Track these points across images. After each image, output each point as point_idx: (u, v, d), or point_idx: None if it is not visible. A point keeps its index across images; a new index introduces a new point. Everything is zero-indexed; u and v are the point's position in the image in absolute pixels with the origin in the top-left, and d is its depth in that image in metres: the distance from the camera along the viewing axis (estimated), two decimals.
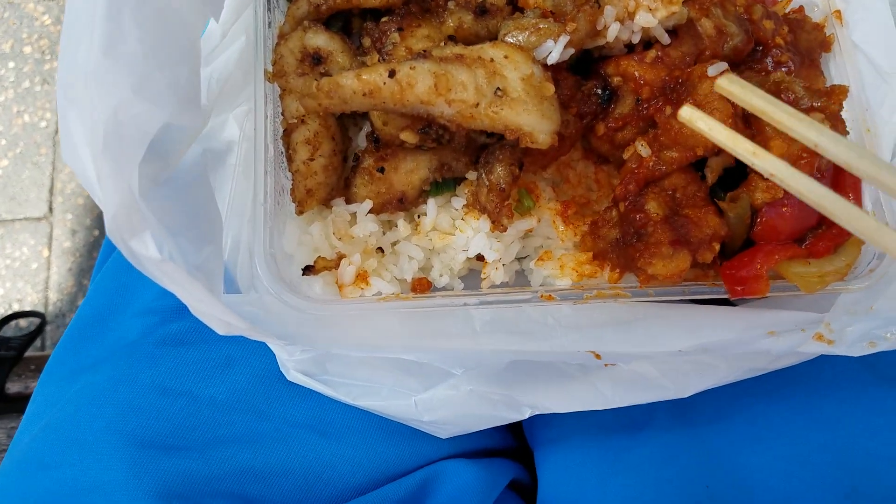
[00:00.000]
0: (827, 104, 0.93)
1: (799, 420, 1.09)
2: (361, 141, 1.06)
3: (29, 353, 2.16)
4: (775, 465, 1.06)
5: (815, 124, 0.72)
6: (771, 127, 0.93)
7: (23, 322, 2.92)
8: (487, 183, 0.99)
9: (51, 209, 3.37)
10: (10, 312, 2.90)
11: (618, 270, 1.00)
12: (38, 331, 2.00)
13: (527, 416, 1.01)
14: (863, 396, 1.09)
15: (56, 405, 1.09)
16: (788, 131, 0.73)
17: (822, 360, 1.02)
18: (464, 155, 1.03)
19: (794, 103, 0.95)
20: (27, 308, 3.26)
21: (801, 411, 1.09)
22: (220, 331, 0.83)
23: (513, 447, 1.24)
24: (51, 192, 3.39)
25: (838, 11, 1.14)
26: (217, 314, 0.81)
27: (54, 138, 3.42)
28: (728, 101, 0.91)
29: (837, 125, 0.93)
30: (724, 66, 0.93)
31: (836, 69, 1.11)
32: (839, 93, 0.96)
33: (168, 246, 0.80)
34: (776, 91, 0.96)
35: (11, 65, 3.59)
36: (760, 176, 0.96)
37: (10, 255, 3.34)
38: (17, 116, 3.53)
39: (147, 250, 0.76)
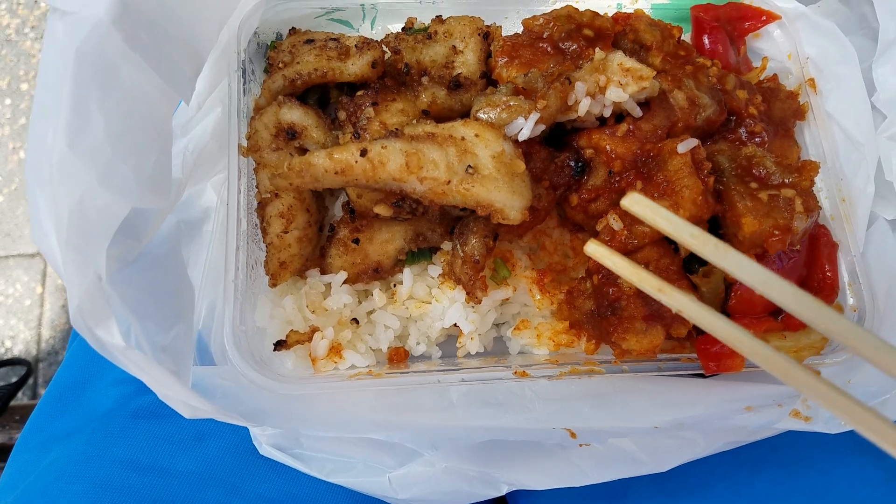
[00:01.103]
0: (798, 180, 0.94)
1: (780, 490, 1.07)
2: (338, 210, 1.06)
3: (15, 402, 2.14)
4: None
5: (714, 240, 0.74)
6: (742, 203, 0.93)
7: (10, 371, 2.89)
8: (462, 254, 0.99)
9: None
10: None
11: (594, 341, 1.00)
12: (24, 380, 1.98)
13: (503, 493, 0.99)
14: (846, 467, 1.08)
15: (30, 476, 1.07)
16: (687, 246, 0.75)
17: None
18: (439, 225, 1.03)
19: (766, 178, 0.95)
20: (20, 345, 3.24)
21: (782, 481, 1.07)
22: (186, 414, 0.82)
23: None
24: None
25: (812, 80, 1.15)
26: (182, 399, 0.81)
27: None
28: (698, 177, 0.92)
29: (809, 200, 0.93)
30: (694, 142, 0.93)
31: (811, 138, 1.12)
32: (810, 169, 0.96)
33: (134, 330, 0.80)
34: (748, 165, 0.97)
35: (8, 101, 3.62)
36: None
37: (3, 291, 3.33)
38: (13, 153, 3.55)
39: (112, 338, 0.76)
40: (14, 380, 2.05)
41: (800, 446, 1.10)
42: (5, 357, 2.98)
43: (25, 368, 2.06)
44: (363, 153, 0.88)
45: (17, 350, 3.25)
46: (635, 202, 0.78)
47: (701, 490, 1.09)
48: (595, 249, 0.83)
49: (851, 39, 1.19)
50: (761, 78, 1.16)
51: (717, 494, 1.08)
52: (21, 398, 2.54)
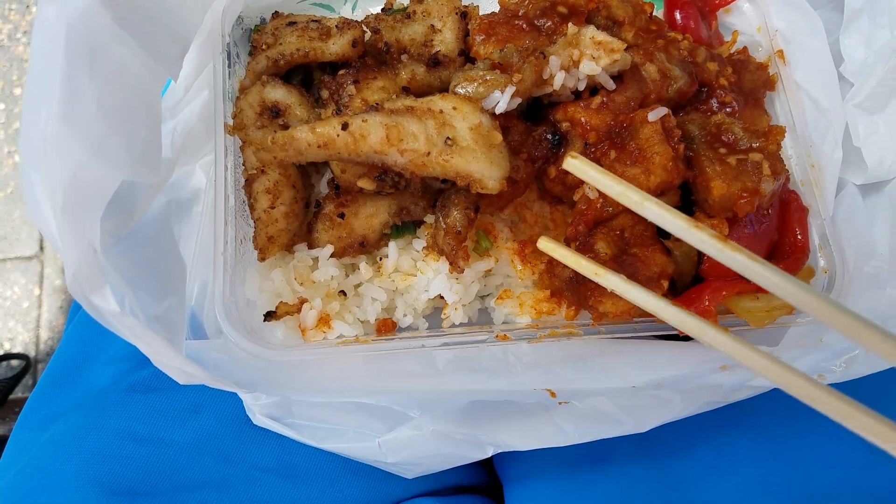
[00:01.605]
0: (765, 144, 0.97)
1: (760, 451, 1.10)
2: (324, 187, 1.10)
3: (15, 395, 2.17)
4: (738, 495, 1.08)
5: (638, 192, 0.80)
6: (711, 168, 0.97)
7: (13, 363, 2.92)
8: (444, 226, 1.02)
9: (41, 248, 3.39)
10: None
11: (573, 308, 1.03)
12: (23, 373, 2.01)
13: (490, 455, 1.03)
14: (821, 427, 1.11)
15: (28, 452, 1.11)
16: (632, 207, 0.82)
17: (781, 391, 1.04)
18: (422, 199, 1.06)
19: (735, 144, 0.99)
20: (18, 347, 3.26)
21: (761, 443, 1.11)
22: (180, 380, 0.85)
23: (484, 483, 1.25)
24: None
25: (781, 51, 1.19)
26: (176, 364, 0.84)
27: None
28: (668, 144, 0.95)
29: (776, 164, 0.97)
30: (664, 110, 0.97)
31: (781, 107, 1.16)
32: (776, 133, 0.99)
33: (129, 299, 0.83)
34: (717, 132, 1.00)
35: (2, 106, 3.64)
36: (706, 214, 1.00)
37: (1, 294, 3.36)
38: (8, 157, 3.57)
39: (107, 304, 0.79)
40: (13, 374, 2.08)
41: (777, 410, 1.13)
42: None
43: (24, 362, 2.09)
44: (344, 127, 0.91)
45: (16, 352, 3.27)
46: (576, 165, 0.83)
47: (684, 453, 1.12)
48: (546, 245, 0.91)
49: (821, 13, 1.23)
50: (732, 51, 1.19)
51: (698, 457, 1.11)
52: (19, 392, 2.57)
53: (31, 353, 3.22)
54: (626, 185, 0.80)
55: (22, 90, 3.60)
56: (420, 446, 1.00)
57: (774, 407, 1.12)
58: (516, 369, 1.00)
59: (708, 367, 0.98)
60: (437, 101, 0.95)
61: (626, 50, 1.01)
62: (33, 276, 3.33)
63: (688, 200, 1.02)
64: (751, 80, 1.14)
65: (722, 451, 1.11)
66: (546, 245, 0.90)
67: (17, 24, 3.71)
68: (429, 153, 0.93)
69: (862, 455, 1.08)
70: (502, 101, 0.96)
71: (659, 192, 0.96)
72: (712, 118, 1.02)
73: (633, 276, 0.96)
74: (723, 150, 0.97)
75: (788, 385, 0.74)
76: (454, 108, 0.95)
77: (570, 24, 1.01)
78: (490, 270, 1.10)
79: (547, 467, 1.14)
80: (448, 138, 0.94)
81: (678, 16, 1.19)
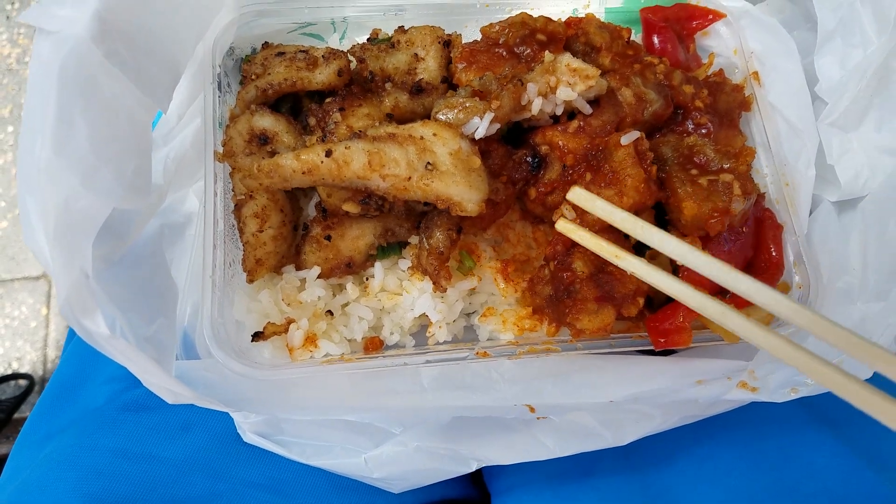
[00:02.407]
0: (735, 165, 1.00)
1: (743, 461, 1.12)
2: (312, 210, 1.13)
3: (19, 414, 2.20)
4: None
5: (646, 225, 0.84)
6: (683, 189, 1.00)
7: (20, 382, 2.96)
8: (427, 247, 1.06)
9: None
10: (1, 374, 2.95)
11: (554, 324, 1.06)
12: (27, 393, 2.05)
13: (473, 469, 1.05)
14: (802, 438, 1.13)
15: (27, 469, 1.14)
16: (624, 230, 0.87)
17: (761, 404, 1.06)
18: (406, 220, 1.09)
19: (706, 165, 1.02)
20: (26, 366, 3.30)
21: (743, 454, 1.12)
22: (169, 399, 0.88)
23: (472, 496, 1.27)
24: None
25: (756, 73, 1.22)
26: (164, 384, 0.87)
27: None
28: (640, 166, 0.98)
29: (746, 184, 1.00)
30: (636, 134, 1.00)
31: (756, 127, 1.19)
32: (746, 154, 1.03)
33: (119, 321, 0.87)
34: (690, 154, 1.03)
35: (10, 129, 3.71)
36: (680, 233, 1.03)
37: (9, 314, 3.40)
38: (16, 179, 3.62)
39: (98, 328, 0.83)
40: (18, 393, 2.12)
41: (758, 422, 1.15)
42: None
43: (28, 382, 2.13)
44: (328, 154, 0.95)
45: (24, 371, 3.31)
46: (577, 196, 0.86)
47: (666, 465, 1.14)
48: (564, 226, 0.97)
49: (797, 34, 1.26)
50: (709, 73, 1.23)
51: (681, 469, 1.13)
52: (24, 411, 2.60)
53: (39, 372, 3.26)
54: (607, 243, 0.84)
55: None
56: (405, 462, 1.03)
57: (755, 417, 1.14)
58: (499, 386, 1.03)
59: (684, 381, 1.01)
60: (418, 128, 0.99)
61: (601, 75, 1.05)
62: (41, 296, 3.38)
63: (662, 220, 1.05)
64: (726, 102, 1.17)
65: (704, 462, 1.13)
66: (565, 226, 0.94)
67: (26, 48, 3.80)
68: (410, 178, 0.96)
69: (844, 464, 1.10)
70: (481, 126, 1.00)
71: (633, 212, 0.99)
72: (685, 140, 1.05)
73: (610, 294, 0.99)
74: (694, 172, 1.00)
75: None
76: (434, 135, 0.98)
77: (547, 52, 1.04)
78: (474, 289, 1.13)
79: (533, 480, 1.16)
80: (428, 163, 0.97)
81: (656, 40, 1.22)
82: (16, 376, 2.54)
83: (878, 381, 0.88)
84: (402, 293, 1.11)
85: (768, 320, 1.04)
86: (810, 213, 1.14)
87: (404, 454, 1.03)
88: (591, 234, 0.96)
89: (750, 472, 1.11)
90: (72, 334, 1.34)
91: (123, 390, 1.14)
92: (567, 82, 1.03)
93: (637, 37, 1.26)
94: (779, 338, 0.78)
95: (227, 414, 1.10)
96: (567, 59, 1.03)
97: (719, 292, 1.06)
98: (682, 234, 1.01)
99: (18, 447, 1.21)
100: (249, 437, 1.06)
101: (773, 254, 1.08)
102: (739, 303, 1.04)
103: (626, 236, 1.05)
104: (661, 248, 0.90)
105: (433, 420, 1.02)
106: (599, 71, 1.02)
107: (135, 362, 0.85)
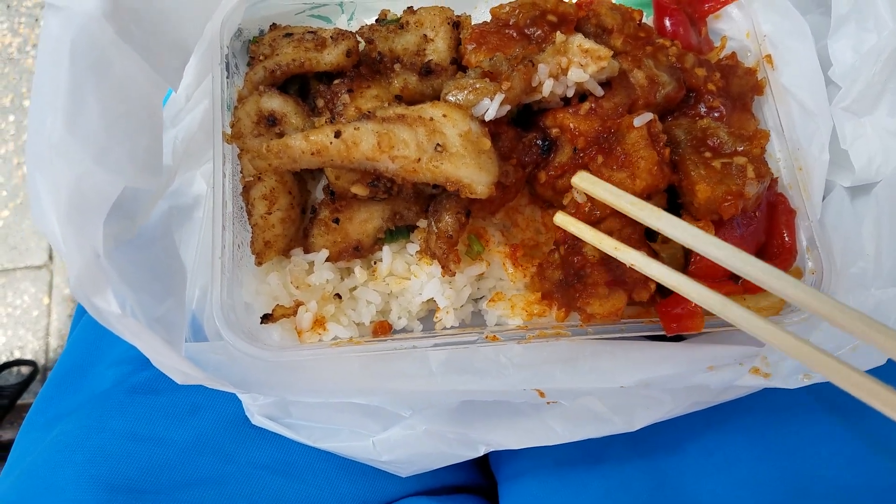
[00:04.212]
0: (749, 148, 0.99)
1: (753, 450, 1.12)
2: (320, 193, 1.13)
3: (24, 400, 2.20)
4: (729, 493, 1.09)
5: (653, 209, 0.83)
6: (696, 172, 0.99)
7: (23, 369, 2.97)
8: (436, 230, 1.05)
9: (51, 257, 3.44)
10: (3, 361, 2.96)
11: (563, 309, 1.05)
12: (30, 379, 2.05)
13: (481, 453, 1.05)
14: (813, 426, 1.12)
15: (33, 453, 1.14)
16: (631, 215, 0.86)
17: (773, 390, 1.05)
18: (415, 204, 1.09)
19: (720, 148, 1.01)
20: (28, 355, 3.31)
21: (754, 442, 1.12)
22: (178, 380, 0.88)
23: (478, 483, 1.27)
24: None
25: (769, 56, 1.21)
26: (175, 365, 0.87)
27: None
28: (653, 148, 0.97)
29: (760, 167, 0.99)
30: (649, 116, 0.99)
31: (768, 111, 1.17)
32: (761, 137, 1.02)
33: (130, 301, 0.86)
34: (703, 137, 1.02)
35: (11, 118, 3.70)
36: (693, 217, 1.02)
37: (11, 303, 3.40)
38: (18, 168, 3.63)
39: (109, 306, 0.82)
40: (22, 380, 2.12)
41: (768, 409, 1.14)
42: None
43: (32, 368, 2.13)
44: (337, 134, 0.94)
45: (25, 358, 3.31)
46: (582, 179, 0.86)
47: (675, 452, 1.14)
48: (563, 219, 0.94)
49: (810, 18, 1.25)
50: (721, 56, 1.21)
51: (690, 456, 1.13)
52: (27, 398, 2.61)
53: (41, 361, 3.26)
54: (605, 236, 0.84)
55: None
56: (413, 445, 1.03)
57: (766, 406, 1.14)
58: (507, 370, 1.02)
59: (695, 366, 1.00)
60: (428, 109, 0.98)
61: (613, 57, 1.04)
62: (43, 286, 3.38)
63: (675, 203, 1.04)
64: (739, 85, 1.16)
65: (713, 449, 1.13)
66: (564, 219, 0.93)
67: (27, 37, 3.78)
68: (419, 159, 0.96)
69: (853, 453, 1.10)
70: (491, 108, 0.99)
71: (646, 196, 0.98)
72: (698, 123, 1.04)
73: (621, 278, 0.99)
74: (708, 154, 0.99)
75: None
76: (444, 116, 0.97)
77: (558, 33, 1.03)
78: (482, 274, 1.12)
79: (540, 466, 1.16)
80: (438, 145, 0.96)
81: (667, 22, 1.21)
82: (19, 362, 2.54)
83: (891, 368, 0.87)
84: (411, 277, 1.11)
85: (780, 306, 1.04)
86: (823, 198, 1.13)
87: (413, 437, 1.03)
88: (588, 226, 0.96)
89: (758, 461, 1.11)
90: (77, 319, 1.34)
91: (130, 373, 1.14)
92: (579, 63, 1.02)
93: (649, 19, 1.25)
94: (780, 329, 0.77)
95: (234, 397, 1.09)
96: (579, 39, 1.02)
97: (731, 277, 1.05)
98: (694, 218, 1.00)
99: (25, 431, 1.21)
100: (257, 419, 1.06)
101: (786, 239, 1.07)
102: (752, 288, 1.04)
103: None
104: (669, 233, 0.89)
105: (442, 404, 1.02)
106: (612, 52, 1.01)
107: (146, 342, 0.84)
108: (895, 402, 0.69)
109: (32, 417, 1.21)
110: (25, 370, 2.93)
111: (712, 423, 1.14)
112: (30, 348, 3.29)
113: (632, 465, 1.13)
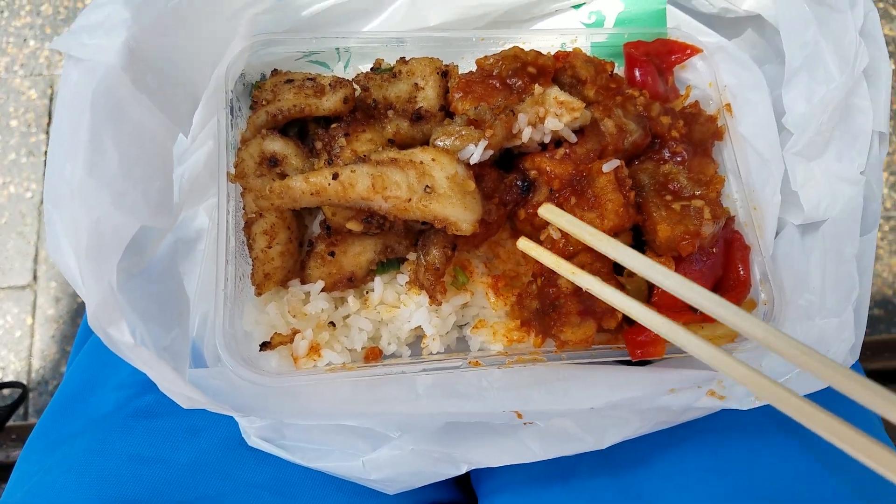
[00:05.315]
0: (706, 192, 1.10)
1: (715, 466, 1.19)
2: (316, 228, 1.21)
3: (11, 423, 2.22)
4: None
5: (610, 240, 0.91)
6: (658, 213, 1.09)
7: (5, 391, 2.97)
8: (424, 263, 1.14)
9: (35, 277, 3.44)
10: None
11: (540, 336, 1.14)
12: (20, 401, 2.07)
13: (463, 471, 1.12)
14: (769, 443, 1.21)
15: (37, 474, 1.19)
16: (591, 245, 0.95)
17: (732, 411, 1.14)
18: (405, 238, 1.18)
19: (680, 191, 1.12)
20: (10, 376, 3.29)
21: (713, 458, 1.20)
22: (184, 405, 0.95)
23: (460, 499, 1.35)
24: (35, 260, 3.47)
25: (728, 105, 1.33)
26: (181, 391, 0.94)
27: (39, 208, 3.53)
28: (620, 192, 1.08)
29: (716, 209, 1.09)
30: (616, 162, 1.10)
31: (727, 156, 1.29)
32: (717, 182, 1.12)
33: (140, 331, 0.93)
34: (665, 181, 1.13)
35: None
36: (655, 253, 1.12)
37: None
38: (4, 188, 3.64)
39: (122, 336, 0.89)
40: (9, 402, 2.14)
41: (728, 428, 1.22)
42: None
43: (21, 390, 2.15)
44: (335, 176, 1.03)
45: (10, 380, 3.30)
46: (547, 210, 0.95)
47: (642, 468, 1.21)
48: (524, 244, 1.05)
49: (768, 68, 1.36)
50: (685, 104, 1.33)
51: (657, 472, 1.21)
52: (16, 419, 2.62)
53: (24, 381, 3.25)
54: (565, 262, 0.92)
55: (18, 122, 3.70)
56: (400, 464, 1.10)
57: (725, 424, 1.21)
58: (489, 393, 1.10)
59: (658, 389, 1.09)
60: (418, 154, 1.07)
61: (586, 107, 1.14)
62: (26, 306, 3.38)
63: (640, 241, 1.14)
64: (700, 132, 1.27)
65: (677, 466, 1.20)
66: (526, 245, 1.03)
67: (15, 56, 3.82)
68: (410, 199, 1.05)
69: (805, 468, 1.18)
70: (476, 153, 1.08)
71: (613, 234, 1.08)
72: (661, 168, 1.14)
73: (590, 308, 1.08)
74: (669, 197, 1.10)
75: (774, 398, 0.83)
76: (433, 160, 1.07)
77: (536, 86, 1.14)
78: (467, 303, 1.21)
79: (517, 482, 1.23)
80: (427, 186, 1.06)
81: (637, 73, 1.32)
82: (5, 384, 2.55)
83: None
84: (400, 306, 1.19)
85: (734, 334, 1.14)
86: (776, 235, 1.23)
87: (400, 457, 1.10)
88: (549, 252, 1.05)
89: (718, 476, 1.18)
90: (78, 345, 1.40)
91: (132, 397, 1.20)
92: (554, 113, 1.12)
93: (620, 70, 1.36)
94: (724, 354, 0.86)
95: (232, 419, 1.16)
96: (555, 92, 1.13)
97: (691, 308, 1.15)
98: (657, 254, 1.10)
99: (27, 453, 1.26)
100: (254, 441, 1.12)
101: (742, 273, 1.18)
102: (709, 318, 1.13)
103: None
104: (627, 265, 0.97)
105: (428, 425, 1.10)
106: (584, 104, 1.11)
107: (155, 370, 0.91)
108: (830, 426, 0.79)
109: (36, 439, 1.26)
110: (9, 393, 2.93)
111: (677, 440, 1.22)
112: (11, 369, 3.29)
113: (601, 481, 1.21)
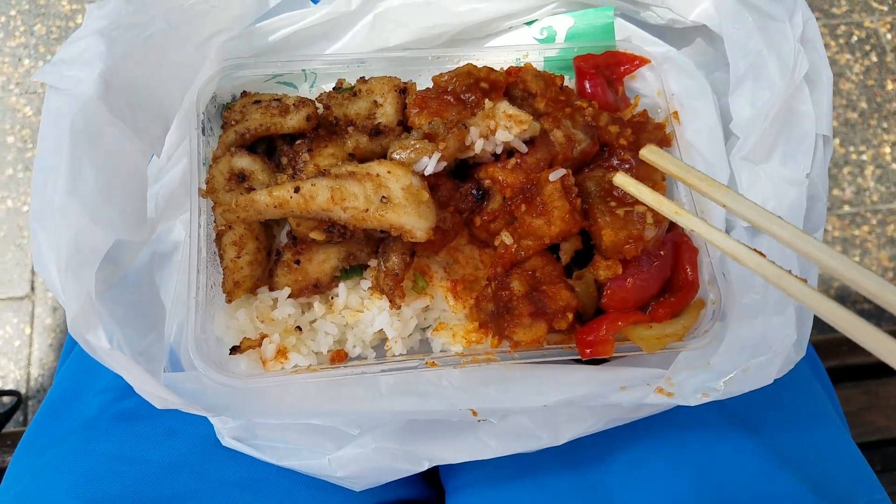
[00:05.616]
0: None
1: (672, 461, 1.24)
2: (284, 238, 1.28)
3: (7, 429, 2.29)
4: (652, 502, 1.22)
5: (721, 187, 0.88)
6: (602, 219, 1.16)
7: (4, 399, 3.04)
8: (384, 269, 1.20)
9: (32, 288, 3.51)
10: None
11: (496, 337, 1.21)
12: (15, 409, 2.15)
13: (425, 468, 1.18)
14: (722, 439, 1.25)
15: (26, 476, 1.26)
16: (700, 190, 0.90)
17: (686, 407, 1.19)
18: (366, 245, 1.24)
19: (623, 198, 1.18)
20: (10, 385, 3.36)
21: (672, 455, 1.24)
22: (158, 405, 1.02)
23: (428, 495, 1.41)
24: (33, 272, 3.55)
25: (676, 112, 1.39)
26: (155, 392, 1.00)
27: None
28: (566, 199, 1.14)
29: (658, 214, 1.15)
30: (562, 171, 1.16)
31: None
32: (660, 188, 1.19)
33: (117, 337, 1.01)
34: (610, 188, 1.20)
35: None
36: (602, 257, 1.19)
37: None
38: (2, 202, 3.71)
39: (99, 342, 0.96)
40: (5, 410, 2.22)
41: (684, 425, 1.26)
42: None
43: (16, 398, 2.23)
44: (297, 190, 1.10)
45: (8, 388, 3.37)
46: (650, 152, 0.93)
47: (602, 465, 1.25)
48: (622, 180, 0.98)
49: (717, 75, 1.42)
50: (635, 113, 1.40)
51: (616, 470, 1.24)
52: (11, 426, 2.69)
53: (23, 390, 3.32)
54: (667, 199, 0.92)
55: (15, 138, 3.78)
56: (364, 462, 1.15)
57: (682, 421, 1.26)
58: (447, 392, 1.16)
59: (609, 387, 1.14)
60: (375, 167, 1.14)
61: (535, 119, 1.21)
62: (25, 316, 3.46)
63: (587, 245, 1.21)
64: (648, 139, 1.33)
65: (635, 462, 1.24)
66: (623, 180, 0.96)
67: (10, 75, 3.90)
68: (367, 210, 1.12)
69: (759, 465, 1.22)
70: (430, 164, 1.15)
71: (561, 239, 1.15)
72: (607, 175, 1.21)
73: (542, 310, 1.15)
74: (613, 203, 1.17)
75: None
76: (389, 172, 1.14)
77: (486, 100, 1.21)
78: (427, 306, 1.28)
79: (482, 478, 1.29)
80: (384, 197, 1.13)
81: (587, 85, 1.39)
82: (2, 392, 2.63)
83: None
84: (364, 310, 1.26)
85: (682, 332, 1.20)
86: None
87: (363, 455, 1.16)
88: (649, 189, 0.96)
89: (677, 470, 1.22)
90: (66, 354, 1.47)
91: (114, 401, 1.27)
92: (504, 126, 1.19)
93: (571, 82, 1.43)
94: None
95: (207, 420, 1.23)
96: (504, 106, 1.19)
97: (643, 307, 1.22)
98: (604, 257, 1.17)
99: (18, 456, 1.34)
100: (227, 441, 1.19)
101: (690, 274, 1.24)
102: (658, 317, 1.20)
103: (556, 258, 1.21)
104: (737, 212, 0.87)
105: (390, 423, 1.16)
106: (531, 116, 1.18)
107: (130, 373, 0.98)
108: None
109: (26, 444, 1.33)
110: (6, 400, 3.00)
111: (636, 437, 1.26)
112: (11, 378, 3.36)
113: (563, 478, 1.25)
